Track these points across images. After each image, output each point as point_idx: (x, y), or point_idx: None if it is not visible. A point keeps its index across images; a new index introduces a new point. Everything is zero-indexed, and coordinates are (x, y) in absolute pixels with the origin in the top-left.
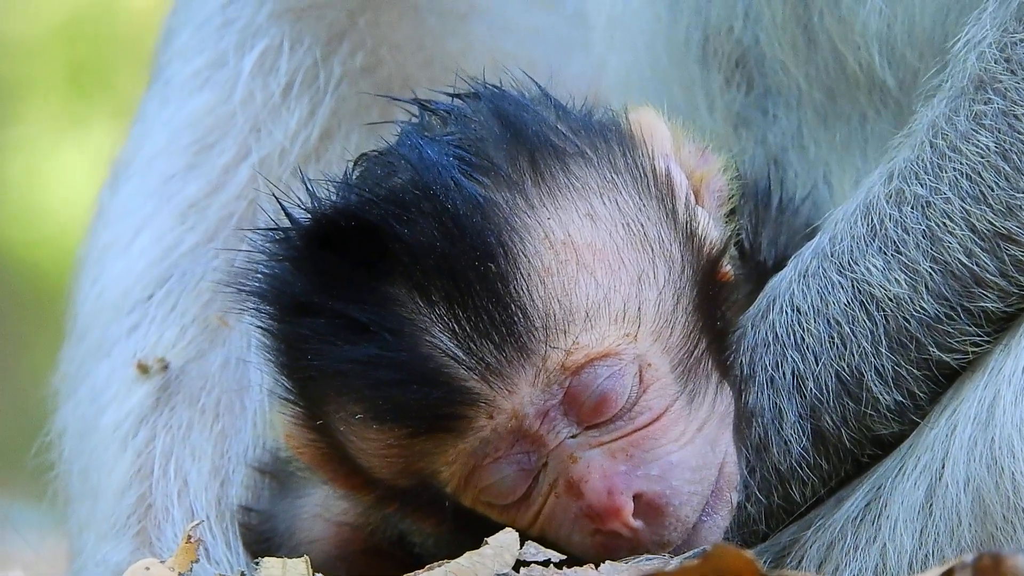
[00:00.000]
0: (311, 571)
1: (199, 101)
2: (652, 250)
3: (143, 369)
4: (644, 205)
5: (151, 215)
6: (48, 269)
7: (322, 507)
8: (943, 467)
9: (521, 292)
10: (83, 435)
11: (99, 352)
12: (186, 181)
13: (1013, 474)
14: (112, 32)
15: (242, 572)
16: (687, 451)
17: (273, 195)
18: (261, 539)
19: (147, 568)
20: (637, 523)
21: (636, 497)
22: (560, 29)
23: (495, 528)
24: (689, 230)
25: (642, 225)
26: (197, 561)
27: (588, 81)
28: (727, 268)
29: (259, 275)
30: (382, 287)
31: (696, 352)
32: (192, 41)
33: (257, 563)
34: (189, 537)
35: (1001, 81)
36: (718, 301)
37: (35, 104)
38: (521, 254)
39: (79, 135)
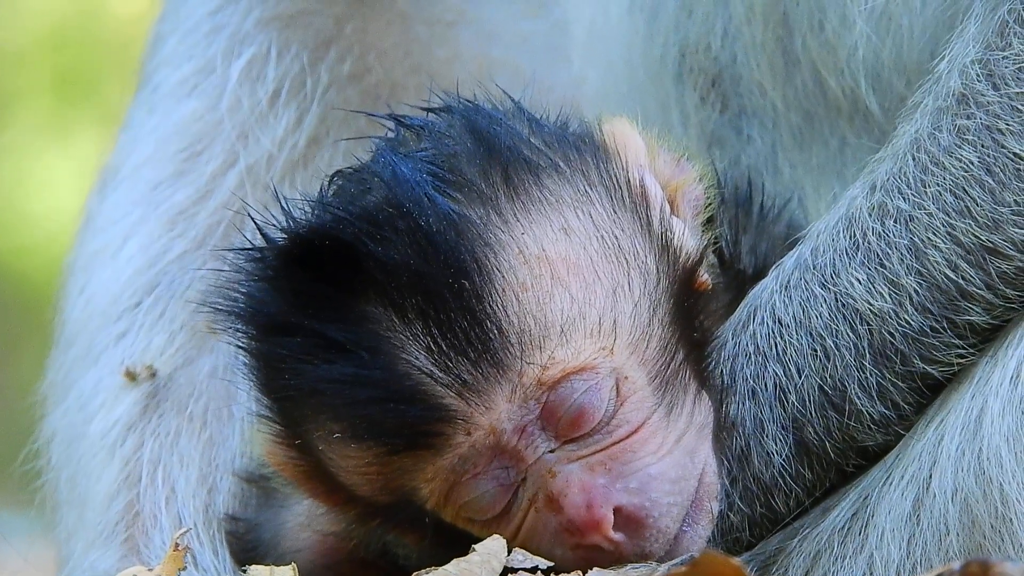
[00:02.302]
0: None
1: (187, 108)
2: (627, 262)
3: (131, 376)
4: (618, 217)
5: (139, 222)
6: (35, 276)
7: (307, 517)
8: (931, 477)
9: (496, 308)
10: (71, 442)
11: (87, 359)
12: (174, 188)
13: (1001, 484)
14: (98, 39)
15: None
16: (666, 463)
17: (248, 215)
18: (247, 548)
19: (135, 575)
20: (618, 536)
21: (616, 510)
22: (548, 37)
23: (476, 543)
24: (664, 241)
25: (616, 237)
26: (184, 569)
27: (574, 89)
28: (704, 277)
29: (236, 295)
30: (358, 305)
31: (673, 363)
32: (180, 48)
33: (244, 571)
34: (176, 545)
35: (984, 95)
36: (696, 311)
37: (21, 111)
38: (495, 270)
39: (65, 142)
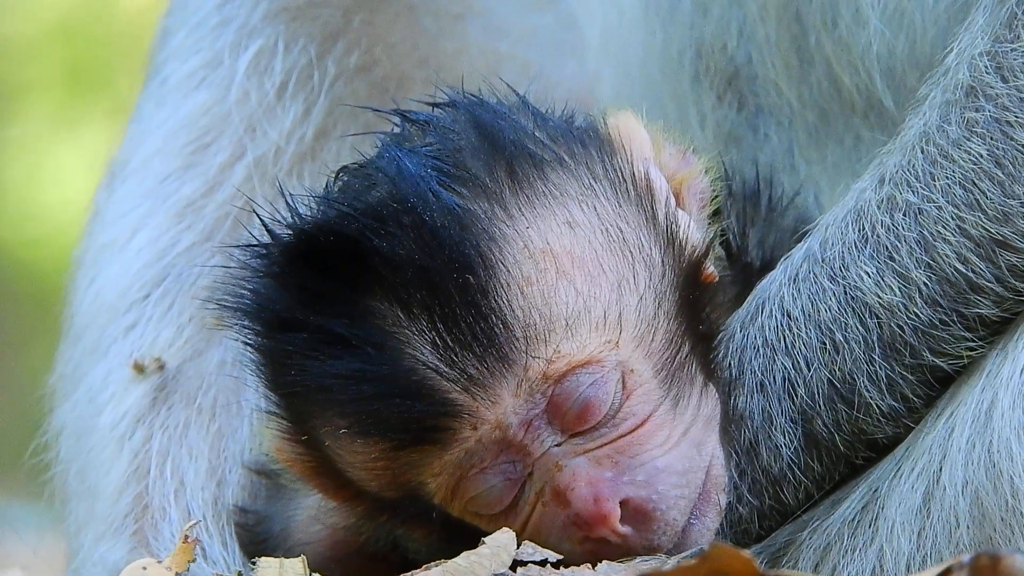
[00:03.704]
0: (308, 571)
1: (195, 101)
2: (632, 255)
3: (140, 369)
4: (623, 211)
5: (147, 215)
6: (46, 269)
7: (317, 511)
8: (941, 470)
9: (501, 302)
10: (80, 435)
11: (96, 352)
12: (182, 181)
13: (1011, 477)
14: (109, 31)
15: (239, 572)
16: (673, 455)
17: (254, 211)
18: (257, 540)
19: (144, 568)
20: (625, 529)
21: (623, 503)
22: (555, 30)
23: (485, 536)
24: (670, 234)
25: (621, 231)
26: (194, 561)
27: (582, 82)
28: (710, 270)
29: (242, 291)
30: (363, 301)
31: (679, 356)
32: (188, 41)
33: (254, 563)
34: (186, 537)
35: (993, 88)
36: (701, 303)
37: (32, 104)
38: (500, 264)
39: (76, 135)
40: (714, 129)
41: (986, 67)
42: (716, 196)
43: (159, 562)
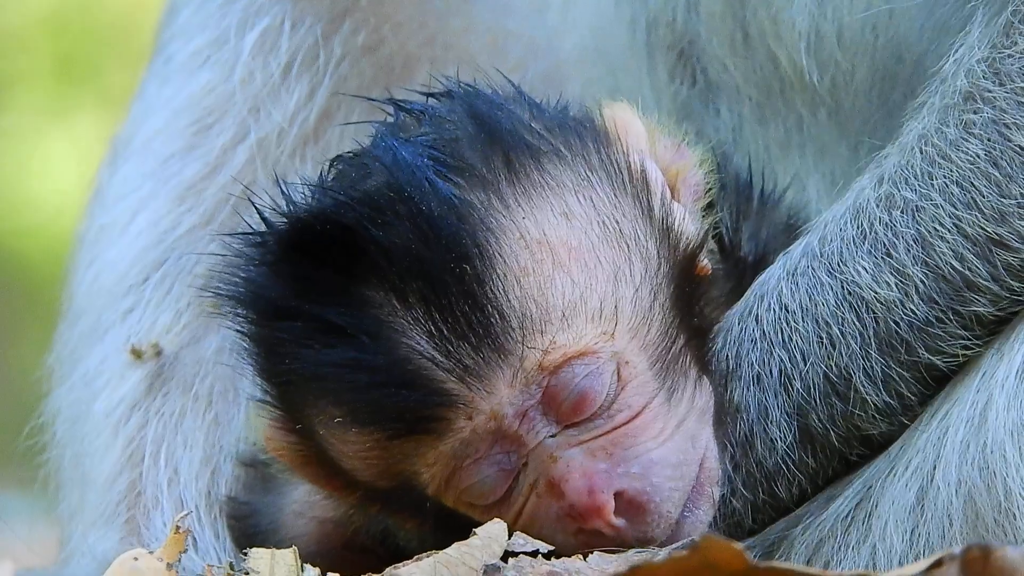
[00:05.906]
0: (299, 562)
1: (199, 80)
2: (628, 247)
3: (137, 354)
4: (619, 202)
5: (148, 196)
6: (36, 259)
7: (303, 504)
8: (935, 469)
9: (497, 293)
10: (75, 420)
11: (93, 335)
12: (184, 162)
13: (1005, 479)
14: (99, 22)
15: (230, 563)
16: (667, 447)
17: (249, 199)
18: (248, 532)
19: (135, 558)
20: (619, 521)
21: (617, 495)
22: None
23: (477, 527)
24: (665, 226)
25: (617, 222)
26: (185, 551)
27: (554, 55)
28: (705, 263)
29: (236, 279)
30: (359, 290)
31: (674, 348)
32: (194, 19)
33: (245, 554)
34: (178, 527)
35: (991, 91)
36: (696, 297)
37: (22, 94)
38: (497, 254)
39: (66, 125)
40: (668, 104)
41: (983, 72)
42: (710, 189)
43: (150, 552)
